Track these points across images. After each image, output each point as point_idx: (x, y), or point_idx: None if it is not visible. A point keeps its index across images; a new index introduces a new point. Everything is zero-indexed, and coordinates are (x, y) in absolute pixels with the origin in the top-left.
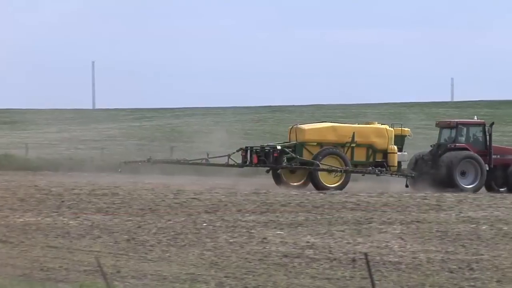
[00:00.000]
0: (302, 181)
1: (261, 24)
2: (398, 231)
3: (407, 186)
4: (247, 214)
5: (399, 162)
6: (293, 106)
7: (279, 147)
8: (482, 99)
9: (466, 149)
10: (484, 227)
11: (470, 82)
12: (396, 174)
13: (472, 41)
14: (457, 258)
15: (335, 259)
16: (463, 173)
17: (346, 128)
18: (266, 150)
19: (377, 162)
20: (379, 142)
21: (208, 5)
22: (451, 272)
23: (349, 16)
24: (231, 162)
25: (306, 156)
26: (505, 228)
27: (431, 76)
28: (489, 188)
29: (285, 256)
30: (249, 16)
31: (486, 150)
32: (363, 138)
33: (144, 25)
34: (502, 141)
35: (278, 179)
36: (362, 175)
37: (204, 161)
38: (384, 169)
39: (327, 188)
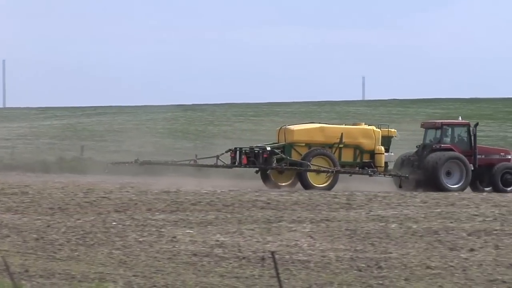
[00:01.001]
0: (290, 181)
1: (174, 24)
2: (307, 230)
3: (400, 186)
4: (157, 213)
5: (386, 163)
6: (206, 104)
7: (268, 148)
8: (393, 97)
9: (451, 149)
10: (393, 226)
11: (381, 81)
12: (389, 175)
13: (383, 39)
14: (366, 257)
15: (244, 258)
16: (448, 173)
17: (334, 129)
18: (256, 151)
19: (364, 162)
20: (366, 143)
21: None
22: (360, 270)
23: (259, 15)
24: (220, 163)
25: (294, 157)
26: (414, 226)
27: (342, 75)
28: (474, 188)
29: (194, 255)
30: (159, 17)
31: (471, 150)
32: (351, 139)
33: (56, 23)
34: (418, 140)
35: (266, 180)
36: (350, 176)
37: (192, 162)
38: (376, 169)
39: (316, 188)
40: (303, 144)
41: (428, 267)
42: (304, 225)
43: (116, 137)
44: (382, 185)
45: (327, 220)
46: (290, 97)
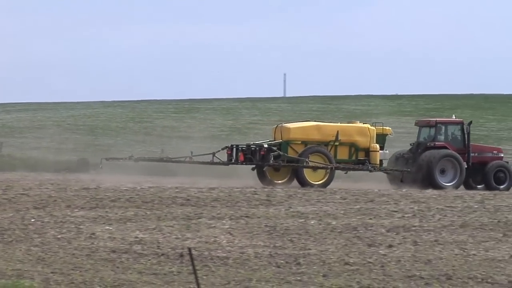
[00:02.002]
0: (286, 178)
1: (93, 18)
2: (227, 226)
3: (401, 181)
4: (76, 210)
5: (381, 160)
6: (126, 101)
7: (265, 145)
8: (314, 94)
9: (445, 147)
10: (312, 222)
11: (302, 77)
12: (390, 170)
13: (304, 37)
14: (285, 253)
15: (163, 255)
16: (442, 171)
17: (330, 127)
18: (253, 148)
19: (360, 160)
20: (362, 141)
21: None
22: (278, 266)
23: (179, 12)
24: (216, 160)
25: (291, 154)
26: (333, 222)
27: (264, 72)
28: (467, 186)
29: (113, 251)
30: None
31: (464, 148)
32: (346, 137)
33: None
34: None
35: (262, 177)
36: (345, 173)
37: (188, 159)
38: (377, 165)
39: (312, 185)
40: (299, 142)
41: (346, 263)
42: (224, 221)
43: (36, 134)
44: (374, 182)
45: (246, 216)
46: (211, 94)
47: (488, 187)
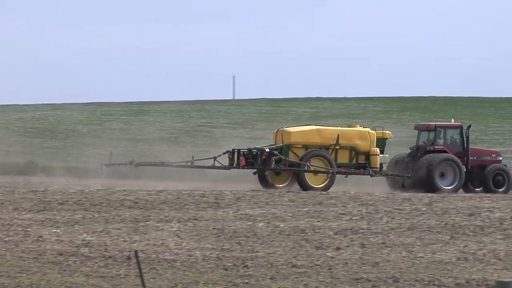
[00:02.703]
0: (287, 182)
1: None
2: (175, 229)
3: (403, 186)
4: (24, 213)
5: (381, 164)
6: (75, 103)
7: (267, 150)
8: (263, 97)
9: (444, 151)
10: (260, 225)
11: (251, 80)
12: (391, 175)
13: (254, 39)
14: (233, 256)
15: (110, 257)
16: (442, 175)
17: (331, 131)
18: (254, 153)
19: (360, 164)
20: (362, 145)
21: None
22: (226, 269)
23: (120, 13)
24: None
25: (292, 158)
26: (281, 225)
27: (213, 74)
28: (466, 189)
29: (60, 254)
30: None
31: (463, 152)
32: (347, 141)
33: None
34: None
35: (264, 181)
36: (346, 177)
37: (189, 164)
38: (378, 170)
39: (313, 189)
40: (300, 146)
41: (294, 266)
42: (172, 224)
43: None
44: (374, 186)
45: (194, 219)
46: (160, 96)
47: (487, 190)
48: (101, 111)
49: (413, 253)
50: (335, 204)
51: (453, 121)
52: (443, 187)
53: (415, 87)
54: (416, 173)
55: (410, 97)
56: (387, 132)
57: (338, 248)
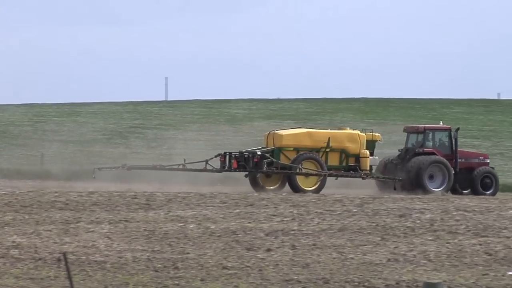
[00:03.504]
0: (278, 184)
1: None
2: (105, 231)
3: (395, 188)
4: None
5: (370, 166)
6: (7, 105)
7: (259, 153)
8: (196, 98)
9: (433, 153)
10: (191, 226)
11: (184, 81)
12: (383, 178)
13: (186, 41)
14: (163, 257)
15: (40, 259)
16: (431, 177)
17: (321, 133)
18: (246, 156)
19: (350, 166)
20: (352, 147)
21: None
22: (156, 271)
23: (58, 15)
24: (209, 167)
25: (283, 161)
26: (213, 226)
27: (145, 75)
28: (453, 191)
29: None
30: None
31: (452, 154)
32: (337, 143)
33: None
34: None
35: (255, 184)
36: (335, 179)
37: (181, 167)
38: (369, 172)
39: (305, 191)
40: (291, 149)
41: (224, 267)
42: (102, 226)
43: None
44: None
45: (125, 220)
46: (92, 98)
47: (475, 193)
48: (33, 112)
49: (343, 254)
50: (267, 205)
51: (441, 123)
52: (432, 189)
53: (347, 88)
54: (406, 175)
55: (343, 98)
56: (376, 134)
57: (268, 250)
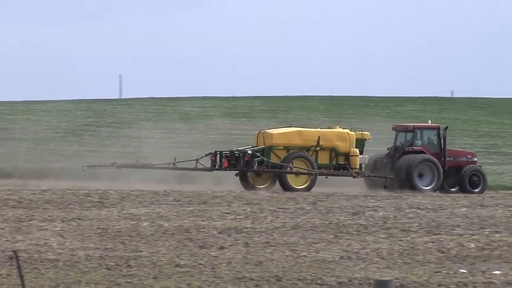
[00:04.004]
0: (268, 183)
1: None
2: (58, 229)
3: (385, 187)
4: None
5: (360, 164)
6: None
7: (249, 152)
8: (150, 96)
9: (422, 152)
10: (145, 224)
11: (138, 79)
12: (374, 176)
13: (140, 39)
14: (116, 255)
15: None
16: (420, 175)
17: (311, 132)
18: (236, 155)
19: (340, 164)
20: (342, 146)
21: None
22: (109, 269)
23: (10, 13)
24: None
25: (273, 160)
26: (166, 224)
27: (99, 73)
28: (441, 189)
29: None
30: None
31: (440, 152)
32: (327, 142)
33: None
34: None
35: (245, 182)
36: (325, 178)
37: (171, 165)
38: (357, 169)
39: (295, 190)
40: (282, 147)
41: (177, 265)
42: (55, 224)
43: None
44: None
45: (78, 219)
46: (45, 96)
47: (463, 191)
48: None
49: (296, 252)
50: (220, 203)
51: (430, 122)
52: (422, 187)
53: (301, 86)
54: (395, 174)
55: (297, 96)
56: (366, 133)
57: (221, 247)
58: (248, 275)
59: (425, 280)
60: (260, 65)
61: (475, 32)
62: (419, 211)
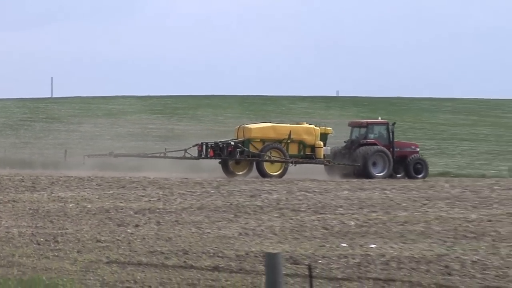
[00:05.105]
0: (245, 170)
1: None
2: None
3: (354, 174)
4: None
5: (324, 155)
6: None
7: (232, 143)
8: (77, 95)
9: (375, 144)
10: (71, 205)
11: (67, 80)
12: (343, 164)
13: (71, 43)
14: (45, 232)
15: None
16: (374, 164)
17: (284, 127)
18: (220, 145)
19: (307, 155)
20: (309, 139)
21: None
22: (39, 244)
23: None
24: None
25: (252, 150)
26: (89, 206)
27: (33, 75)
28: (389, 175)
29: None
30: None
31: (389, 144)
32: (297, 135)
33: None
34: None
35: (226, 169)
36: (294, 165)
37: (162, 155)
38: (322, 158)
39: (270, 176)
40: (259, 140)
41: (98, 241)
42: None
43: None
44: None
45: (13, 201)
46: None
47: (409, 177)
48: None
49: (201, 229)
50: (136, 187)
51: (380, 119)
52: (376, 174)
53: (208, 86)
54: (353, 163)
55: (204, 95)
56: (328, 128)
57: (137, 226)
58: (159, 249)
59: (311, 253)
60: (175, 66)
61: (357, 40)
62: (307, 194)
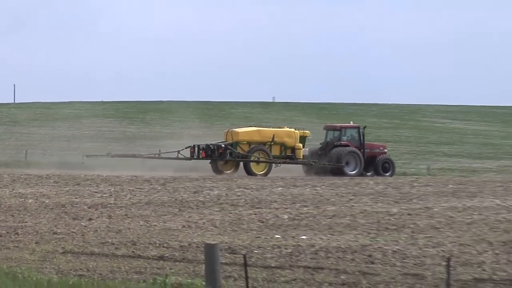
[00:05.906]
0: (232, 169)
1: None
2: None
3: (332, 172)
4: None
5: (303, 156)
6: None
7: (223, 145)
8: (38, 101)
9: (348, 145)
10: (30, 201)
11: (29, 87)
12: (324, 164)
13: (33, 53)
14: (6, 225)
15: None
16: (347, 163)
17: (267, 131)
18: (212, 147)
19: (288, 156)
20: (289, 141)
21: None
22: (0, 236)
23: None
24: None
25: (239, 151)
26: (47, 201)
27: None
28: (360, 174)
29: None
30: None
31: (360, 145)
32: (279, 138)
33: None
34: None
35: (216, 169)
36: (279, 165)
37: (157, 156)
38: (313, 160)
39: (256, 175)
40: (245, 142)
41: (55, 233)
42: None
43: None
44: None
45: None
46: None
47: (377, 175)
48: None
49: (148, 222)
50: (90, 184)
51: (351, 123)
52: (349, 172)
53: (157, 93)
54: (329, 162)
55: (151, 101)
56: (307, 131)
57: (90, 219)
58: (110, 241)
59: (248, 243)
60: (126, 74)
61: (293, 48)
62: (245, 190)
